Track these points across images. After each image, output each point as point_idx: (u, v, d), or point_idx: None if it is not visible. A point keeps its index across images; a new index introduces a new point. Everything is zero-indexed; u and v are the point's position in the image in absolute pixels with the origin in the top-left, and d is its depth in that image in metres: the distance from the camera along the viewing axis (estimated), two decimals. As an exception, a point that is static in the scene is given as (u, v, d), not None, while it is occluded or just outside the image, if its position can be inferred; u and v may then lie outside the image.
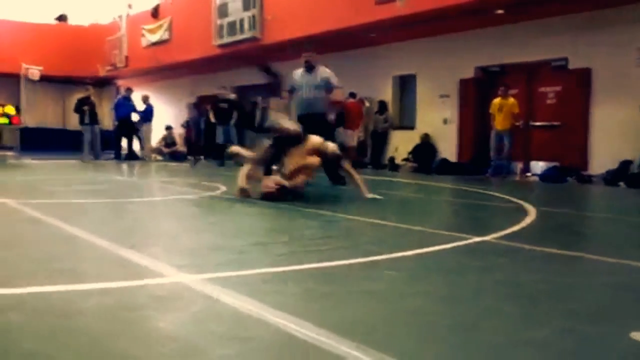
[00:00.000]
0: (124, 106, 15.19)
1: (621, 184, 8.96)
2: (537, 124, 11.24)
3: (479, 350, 1.69)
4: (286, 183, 5.41)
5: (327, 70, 7.37)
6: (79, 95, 15.10)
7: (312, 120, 6.81)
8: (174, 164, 14.06)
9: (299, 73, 7.26)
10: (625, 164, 9.29)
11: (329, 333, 1.72)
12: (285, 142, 5.71)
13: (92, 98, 14.57)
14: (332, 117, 7.65)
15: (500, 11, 10.28)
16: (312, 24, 12.63)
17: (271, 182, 5.39)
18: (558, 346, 1.73)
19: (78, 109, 14.30)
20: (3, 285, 2.24)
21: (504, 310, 2.07)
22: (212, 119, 13.26)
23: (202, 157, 16.82)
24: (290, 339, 1.70)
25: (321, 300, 2.18)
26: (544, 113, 11.17)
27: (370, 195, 5.77)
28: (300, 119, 6.73)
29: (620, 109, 9.73)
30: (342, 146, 6.96)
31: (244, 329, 1.79)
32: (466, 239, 3.54)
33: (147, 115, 15.44)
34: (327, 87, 7.19)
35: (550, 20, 10.42)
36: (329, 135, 6.54)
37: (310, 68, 7.21)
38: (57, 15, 22.75)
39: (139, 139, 15.47)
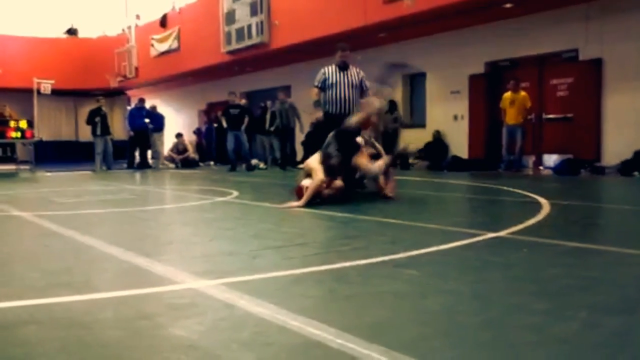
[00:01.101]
0: (137, 116, 15.30)
1: (636, 173, 8.84)
2: (549, 116, 11.14)
3: (506, 347, 1.65)
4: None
5: (360, 70, 7.21)
6: (90, 107, 15.20)
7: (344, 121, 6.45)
8: (186, 171, 14.10)
9: (331, 70, 7.01)
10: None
11: (354, 337, 1.69)
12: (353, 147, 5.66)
13: (104, 109, 14.66)
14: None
15: (508, 5, 10.20)
16: (320, 27, 12.63)
17: (333, 184, 5.50)
18: (586, 341, 1.69)
19: (90, 120, 14.41)
20: (20, 298, 2.23)
21: (530, 306, 2.03)
22: (224, 125, 13.29)
23: (212, 162, 16.92)
24: (313, 344, 1.67)
25: (342, 303, 2.14)
26: (555, 105, 11.06)
27: (391, 194, 5.74)
28: (335, 118, 6.52)
29: (633, 98, 9.61)
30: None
31: (265, 335, 1.76)
32: (483, 234, 3.50)
33: (158, 124, 15.54)
34: (363, 88, 7.06)
35: (559, 11, 10.33)
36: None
37: (345, 67, 7.06)
38: (66, 29, 22.95)
39: (152, 148, 15.58)
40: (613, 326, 1.80)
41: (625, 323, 1.83)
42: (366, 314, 1.98)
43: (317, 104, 6.89)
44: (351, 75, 6.90)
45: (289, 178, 10.15)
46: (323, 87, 6.88)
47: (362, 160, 5.66)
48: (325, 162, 5.45)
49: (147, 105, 15.83)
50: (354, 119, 5.92)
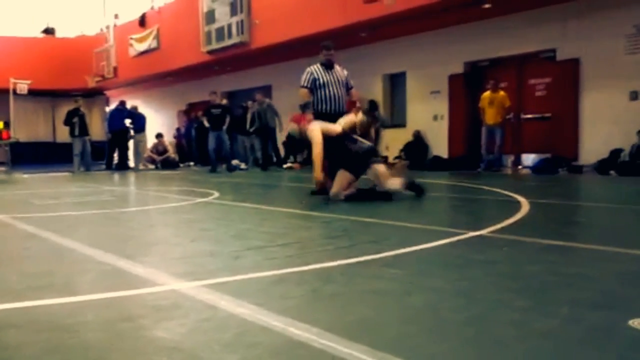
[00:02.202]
0: (117, 118, 15.17)
1: (612, 172, 8.98)
2: (528, 116, 11.26)
3: (490, 343, 1.67)
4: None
5: (344, 68, 7.20)
6: (68, 107, 15.02)
7: (336, 119, 6.60)
8: (166, 171, 14.00)
9: (318, 70, 6.97)
10: (616, 153, 9.32)
11: (337, 337, 1.69)
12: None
13: (82, 110, 14.49)
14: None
15: (487, 5, 10.30)
16: (301, 26, 12.62)
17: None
18: (568, 336, 1.71)
19: (68, 121, 14.23)
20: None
21: (512, 303, 2.05)
22: (206, 125, 13.23)
23: (192, 163, 16.83)
24: (297, 345, 1.67)
25: (325, 302, 2.15)
26: (534, 105, 11.20)
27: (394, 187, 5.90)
28: (329, 117, 6.58)
29: (610, 97, 9.77)
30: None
31: (247, 336, 1.76)
32: (465, 233, 3.53)
33: (139, 124, 15.42)
34: (349, 85, 7.12)
35: (537, 11, 10.45)
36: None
37: (330, 65, 7.06)
38: (43, 28, 22.63)
39: (135, 149, 15.46)
40: (594, 321, 1.83)
41: (606, 318, 1.86)
42: (349, 313, 1.98)
43: (307, 105, 6.85)
44: (337, 73, 6.95)
45: (270, 178, 10.14)
46: (313, 87, 6.88)
47: (384, 171, 5.89)
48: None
49: (128, 105, 15.68)
50: (343, 123, 6.06)
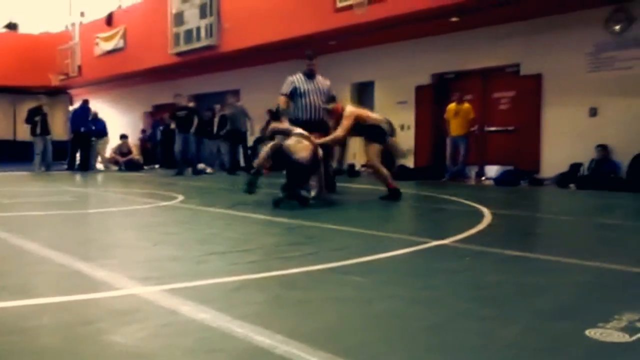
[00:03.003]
0: (80, 118, 14.90)
1: (572, 186, 9.20)
2: (492, 128, 11.46)
3: (453, 351, 1.68)
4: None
5: (325, 78, 7.39)
6: (30, 105, 14.66)
7: (317, 127, 6.90)
8: (129, 173, 13.78)
9: (299, 79, 7.15)
10: (576, 167, 9.56)
11: (299, 343, 1.68)
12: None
13: (44, 108, 14.17)
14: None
15: (455, 19, 10.47)
16: (271, 32, 12.61)
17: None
18: (529, 344, 1.74)
19: (29, 119, 13.90)
20: (-51, 303, 2.13)
21: (475, 312, 2.07)
22: (173, 127, 13.07)
23: (157, 165, 16.61)
24: (258, 351, 1.65)
25: (288, 309, 2.14)
26: (498, 118, 11.40)
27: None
28: (306, 125, 6.69)
29: (571, 113, 10.02)
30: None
31: (209, 342, 1.74)
32: (428, 242, 3.56)
33: (100, 130, 15.24)
34: (329, 95, 7.24)
35: (503, 27, 10.66)
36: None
37: (312, 75, 7.20)
38: (5, 23, 22.08)
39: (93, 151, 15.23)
40: (554, 331, 1.87)
41: (566, 327, 1.90)
42: (312, 320, 1.98)
43: (284, 112, 7.06)
44: (318, 83, 7.18)
45: (237, 183, 10.07)
46: (292, 95, 7.04)
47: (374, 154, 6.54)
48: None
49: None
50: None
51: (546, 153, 10.41)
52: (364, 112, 6.76)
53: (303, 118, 6.92)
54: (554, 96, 10.27)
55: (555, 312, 2.10)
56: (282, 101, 7.07)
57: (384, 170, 6.67)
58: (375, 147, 6.67)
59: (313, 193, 6.39)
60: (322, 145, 6.45)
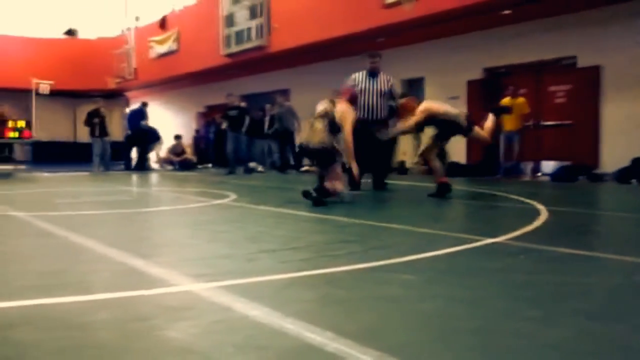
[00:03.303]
0: (137, 118, 15.33)
1: (633, 181, 8.86)
2: (547, 123, 11.15)
3: (500, 353, 1.65)
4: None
5: (390, 77, 7.42)
6: (88, 108, 15.22)
7: (372, 127, 7.04)
8: (183, 173, 14.09)
9: (361, 77, 7.24)
10: (637, 161, 9.19)
11: (348, 341, 1.69)
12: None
13: (102, 111, 14.66)
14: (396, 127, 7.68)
15: (507, 11, 10.23)
16: (319, 31, 12.65)
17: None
18: (577, 348, 1.69)
19: (88, 122, 14.41)
20: (15, 299, 2.23)
21: (523, 312, 2.03)
22: (224, 127, 13.31)
23: (210, 164, 16.93)
24: (308, 348, 1.67)
25: (338, 307, 2.14)
26: (553, 112, 11.08)
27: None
28: (364, 124, 6.82)
29: (631, 105, 9.64)
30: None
31: (259, 338, 1.76)
32: (480, 240, 3.50)
33: (153, 138, 15.73)
34: (392, 95, 7.29)
35: (558, 18, 10.36)
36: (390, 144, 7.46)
37: (375, 73, 7.23)
38: (65, 29, 22.94)
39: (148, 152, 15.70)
40: (606, 333, 1.81)
41: (618, 330, 1.83)
42: (360, 318, 1.98)
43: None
44: (380, 83, 7.14)
45: (288, 182, 10.16)
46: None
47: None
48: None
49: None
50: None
51: (605, 147, 10.05)
52: (441, 108, 6.45)
53: (360, 116, 6.88)
54: (613, 88, 9.90)
55: (606, 313, 2.03)
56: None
57: (437, 164, 6.56)
58: (433, 142, 6.54)
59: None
60: (385, 141, 6.46)
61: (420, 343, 1.74)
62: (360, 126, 6.43)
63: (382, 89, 7.18)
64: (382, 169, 7.76)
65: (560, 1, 9.67)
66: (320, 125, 5.61)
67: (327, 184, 5.58)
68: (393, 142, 7.82)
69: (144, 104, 15.96)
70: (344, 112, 5.77)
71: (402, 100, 6.81)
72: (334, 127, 5.64)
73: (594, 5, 9.80)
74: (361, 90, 7.08)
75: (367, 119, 7.06)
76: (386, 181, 7.66)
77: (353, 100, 6.29)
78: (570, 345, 1.71)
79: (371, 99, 7.14)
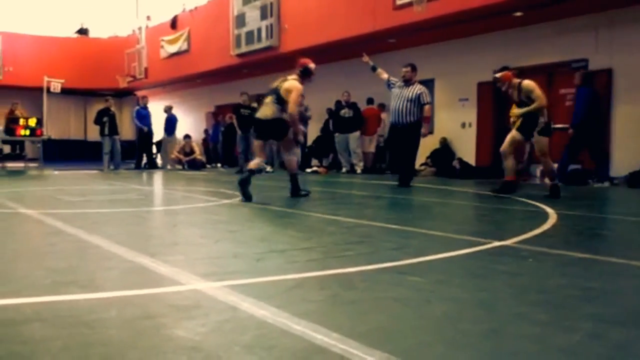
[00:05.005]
0: (146, 116, 15.40)
1: (644, 185, 8.79)
2: (558, 126, 11.07)
3: (509, 357, 1.65)
4: None
5: (422, 87, 8.14)
6: (99, 106, 15.29)
7: (400, 130, 7.97)
8: (192, 172, 14.14)
9: (397, 81, 8.12)
10: (649, 166, 9.12)
11: (357, 343, 1.69)
12: None
13: (112, 109, 14.73)
14: (424, 131, 8.24)
15: (518, 13, 10.19)
16: (330, 32, 12.65)
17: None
18: (588, 352, 1.68)
19: (98, 120, 14.48)
20: (25, 295, 2.25)
21: (533, 316, 2.02)
22: (233, 122, 13.32)
23: (219, 164, 16.96)
24: (316, 349, 1.67)
25: (346, 308, 2.14)
26: (564, 115, 11.01)
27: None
28: (392, 129, 7.95)
29: (643, 109, 9.57)
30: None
31: (267, 338, 1.77)
32: (489, 243, 3.49)
33: (169, 126, 15.66)
34: (419, 102, 8.00)
35: (569, 20, 10.30)
36: (413, 146, 8.14)
37: (407, 82, 8.07)
38: (77, 28, 23.09)
39: (162, 149, 15.74)
40: (616, 338, 1.80)
41: (628, 335, 1.82)
42: (369, 320, 1.98)
43: (373, 68, 8.43)
44: (410, 91, 8.01)
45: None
46: (387, 85, 8.29)
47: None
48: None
49: (163, 105, 16.04)
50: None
51: (616, 151, 9.98)
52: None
53: (391, 120, 8.14)
54: (625, 92, 9.84)
55: (618, 318, 2.02)
56: (370, 62, 8.39)
57: (511, 162, 6.91)
58: (520, 138, 6.87)
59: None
60: (411, 143, 7.59)
61: (429, 346, 1.74)
62: (391, 132, 7.60)
63: (410, 96, 7.93)
64: (408, 169, 8.49)
65: (572, 4, 9.61)
66: (269, 99, 6.32)
67: (250, 164, 6.27)
68: (417, 144, 8.38)
69: (145, 99, 16.05)
70: (290, 86, 6.32)
71: (499, 74, 7.15)
72: (280, 100, 6.26)
73: (605, 7, 9.74)
74: (393, 94, 8.03)
75: (395, 123, 7.96)
76: (410, 183, 8.37)
77: (306, 72, 6.66)
78: (581, 349, 1.70)
79: (397, 104, 7.97)
